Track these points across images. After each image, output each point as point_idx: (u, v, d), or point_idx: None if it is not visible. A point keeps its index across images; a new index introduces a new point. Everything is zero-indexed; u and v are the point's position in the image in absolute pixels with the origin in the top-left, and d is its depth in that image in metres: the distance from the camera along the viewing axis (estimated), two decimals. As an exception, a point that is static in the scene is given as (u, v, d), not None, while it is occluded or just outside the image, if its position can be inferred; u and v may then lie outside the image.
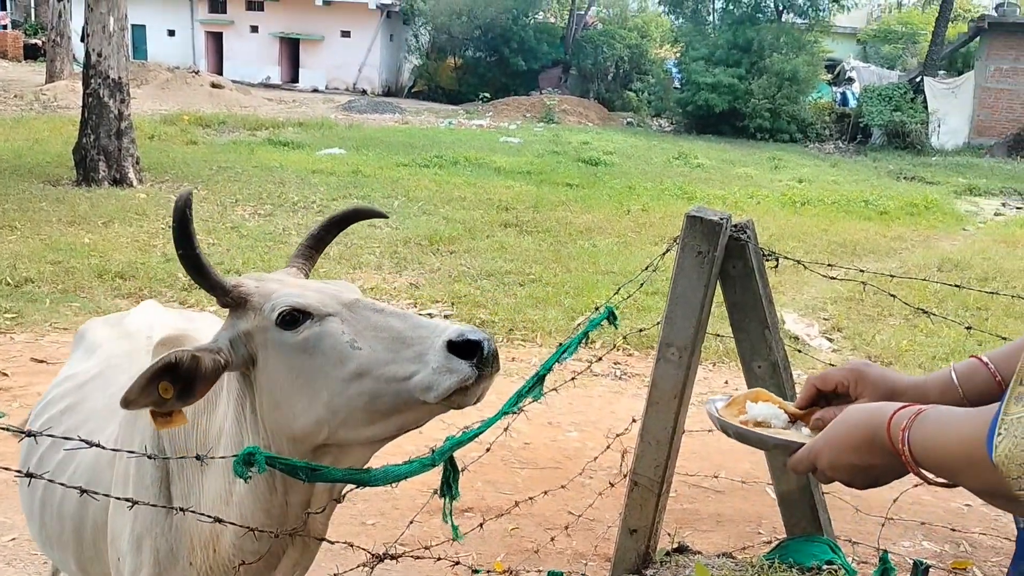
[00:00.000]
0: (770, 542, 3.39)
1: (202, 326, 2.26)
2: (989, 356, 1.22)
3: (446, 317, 7.35)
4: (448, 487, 1.77)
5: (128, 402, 1.39)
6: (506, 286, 8.24)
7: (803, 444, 1.15)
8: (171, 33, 34.46)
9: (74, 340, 2.57)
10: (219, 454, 1.56)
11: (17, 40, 33.47)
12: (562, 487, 2.87)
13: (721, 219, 2.36)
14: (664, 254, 2.59)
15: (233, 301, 1.55)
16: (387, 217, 1.80)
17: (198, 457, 1.34)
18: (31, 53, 32.69)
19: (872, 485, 1.07)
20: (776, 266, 2.51)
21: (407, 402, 1.41)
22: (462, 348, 1.37)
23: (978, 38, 25.62)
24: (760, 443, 1.23)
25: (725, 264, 2.46)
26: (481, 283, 8.26)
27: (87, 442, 1.37)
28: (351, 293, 1.56)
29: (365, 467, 1.58)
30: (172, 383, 1.43)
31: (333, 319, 1.47)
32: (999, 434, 0.84)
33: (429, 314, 7.38)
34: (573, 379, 2.61)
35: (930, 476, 0.97)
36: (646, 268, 2.55)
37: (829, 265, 2.77)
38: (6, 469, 1.41)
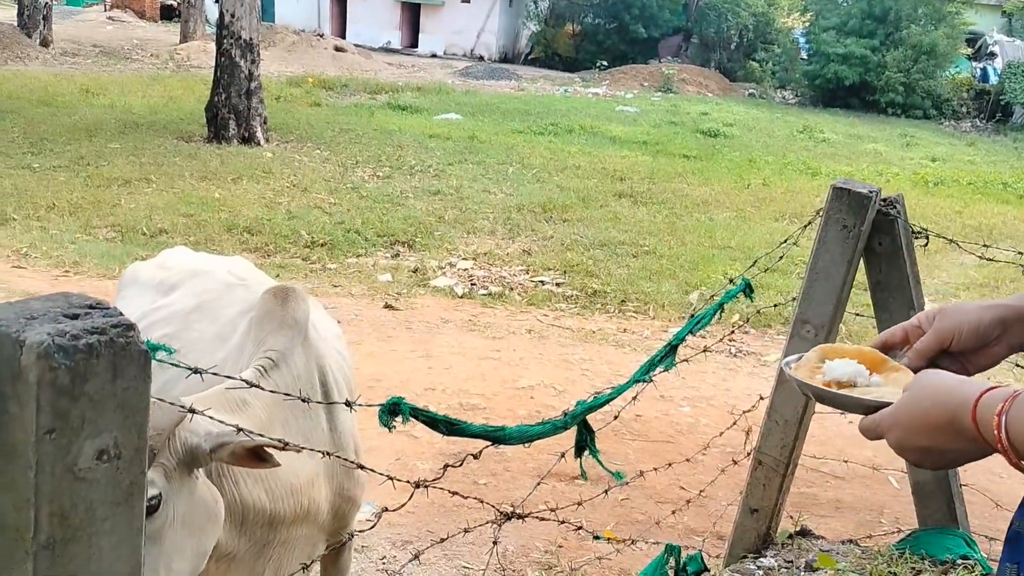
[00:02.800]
0: (894, 532, 3.25)
1: (236, 267, 2.58)
2: None
3: (558, 285, 7.34)
4: (582, 448, 1.76)
5: None
6: (619, 257, 8.16)
7: (882, 406, 1.05)
8: (298, -4, 35.29)
9: (122, 281, 2.75)
10: None
11: (154, 1, 35.02)
12: (687, 460, 2.82)
13: (870, 192, 2.24)
14: (806, 226, 2.48)
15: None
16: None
17: (348, 404, 1.36)
18: (167, 14, 34.12)
19: (943, 468, 1.00)
20: (926, 244, 2.38)
21: None
22: None
23: None
24: (841, 404, 1.12)
25: (871, 240, 2.34)
26: (594, 252, 8.20)
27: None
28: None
29: (501, 425, 1.58)
30: None
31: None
32: None
33: (541, 281, 7.38)
34: (705, 351, 2.55)
35: None
36: (785, 241, 2.45)
37: (985, 246, 2.60)
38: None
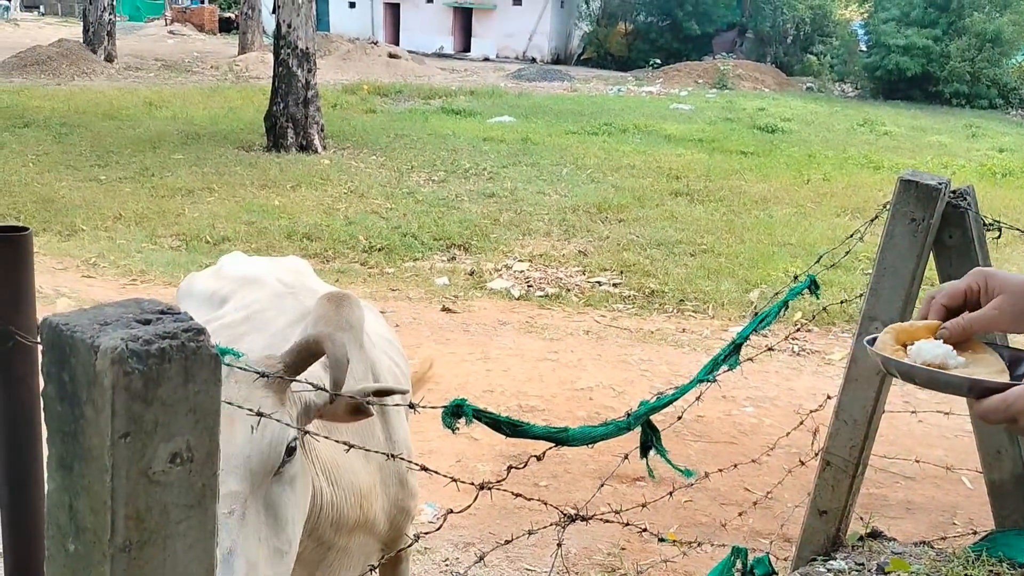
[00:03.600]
0: (969, 534, 3.15)
1: (289, 266, 2.66)
2: None
3: (615, 286, 7.29)
4: (646, 448, 1.76)
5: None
6: (676, 256, 8.07)
7: (991, 384, 1.00)
8: (351, 5, 35.80)
9: (179, 294, 2.76)
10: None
11: (213, 14, 35.87)
12: (752, 461, 2.77)
13: (939, 184, 2.17)
14: (872, 220, 2.42)
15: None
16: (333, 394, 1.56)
17: (411, 406, 1.37)
18: (225, 26, 34.95)
19: None
20: (999, 236, 2.30)
21: None
22: None
23: None
24: (932, 382, 1.05)
25: (940, 233, 2.27)
26: (651, 252, 8.13)
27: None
28: (231, 481, 1.37)
29: (564, 426, 1.58)
30: None
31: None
32: None
33: (598, 282, 7.35)
34: (770, 350, 2.51)
35: None
36: (851, 235, 2.39)
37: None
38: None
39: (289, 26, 12.11)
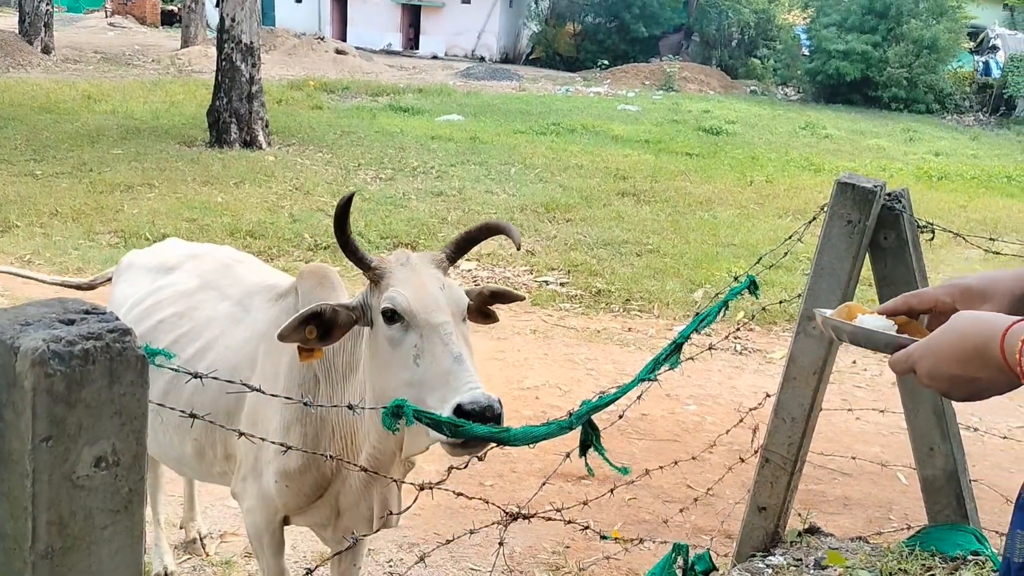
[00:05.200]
0: (903, 529, 3.23)
1: (228, 251, 2.83)
2: None
3: (562, 285, 7.32)
4: (587, 446, 1.85)
5: (283, 337, 1.81)
6: (623, 256, 8.14)
7: (904, 341, 1.13)
8: (298, 0, 35.33)
9: (119, 268, 2.91)
10: (357, 376, 2.02)
11: (155, 6, 35.08)
12: (692, 458, 2.80)
13: (875, 186, 2.22)
14: (810, 222, 2.46)
15: (371, 277, 1.92)
16: (519, 247, 2.14)
17: (350, 407, 1.35)
18: (167, 19, 34.20)
19: (971, 399, 1.03)
20: (932, 238, 2.36)
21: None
22: (466, 412, 1.61)
23: None
24: (870, 341, 1.21)
25: (876, 235, 2.33)
26: (597, 252, 8.18)
27: (248, 387, 1.47)
28: (442, 315, 1.80)
29: (505, 426, 1.58)
30: (317, 327, 1.85)
31: (414, 331, 1.78)
32: None
33: (545, 281, 7.37)
34: (710, 349, 2.54)
35: None
36: (789, 237, 2.43)
37: (991, 239, 2.58)
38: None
39: (233, 20, 11.90)
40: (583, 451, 1.82)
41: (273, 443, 1.92)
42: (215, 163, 10.74)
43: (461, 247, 2.03)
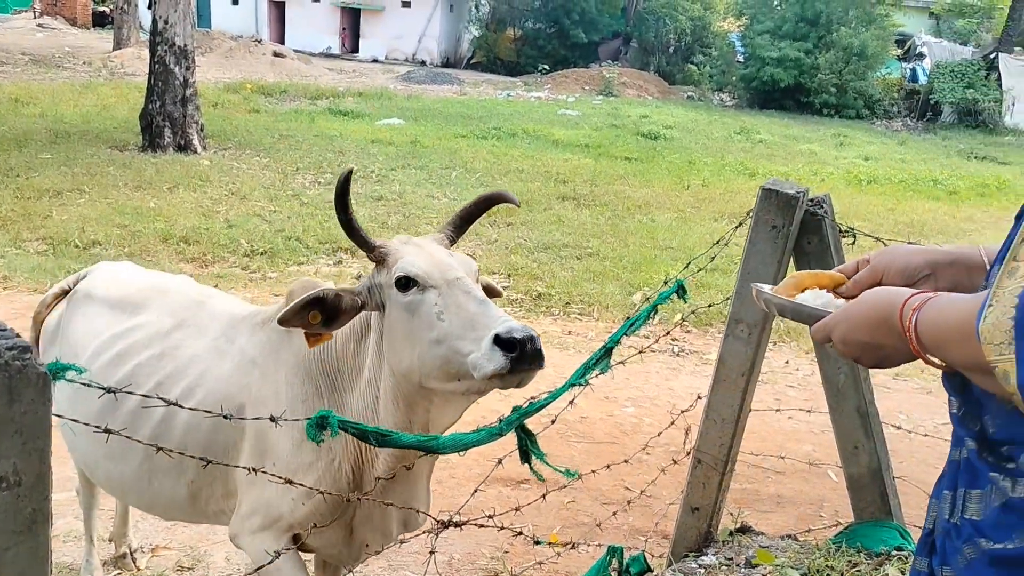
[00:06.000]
0: (833, 526, 3.31)
1: (181, 281, 2.64)
2: (983, 248, 1.24)
3: (503, 289, 7.33)
4: (527, 454, 1.90)
5: (283, 321, 1.82)
6: (563, 259, 8.19)
7: (826, 314, 1.19)
8: (235, 2, 34.78)
9: (74, 300, 2.65)
10: (363, 378, 1.97)
11: (86, 7, 34.18)
12: (625, 462, 2.83)
13: (798, 192, 2.28)
14: (737, 227, 2.52)
15: (375, 258, 1.91)
16: (517, 204, 2.27)
17: (272, 419, 1.33)
18: (99, 20, 33.35)
19: (879, 365, 1.11)
20: (853, 242, 2.43)
21: (466, 373, 1.69)
22: (506, 343, 1.62)
23: (1059, 13, 24.51)
24: (796, 314, 1.27)
25: (800, 239, 2.39)
26: (538, 256, 8.22)
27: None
28: (457, 272, 1.82)
29: (433, 435, 1.58)
30: (321, 312, 1.85)
31: (432, 291, 1.78)
32: (990, 305, 0.87)
33: (486, 285, 7.38)
34: (641, 353, 2.57)
35: (931, 358, 0.99)
36: (717, 242, 2.48)
37: (909, 243, 2.66)
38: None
39: (166, 22, 11.66)
40: (524, 458, 1.84)
41: (287, 481, 1.81)
42: (148, 168, 10.50)
43: (460, 225, 2.06)
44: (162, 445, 1.94)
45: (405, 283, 1.80)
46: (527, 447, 1.98)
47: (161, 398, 1.48)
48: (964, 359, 0.92)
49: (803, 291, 1.33)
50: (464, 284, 1.78)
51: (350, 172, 1.85)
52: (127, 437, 1.53)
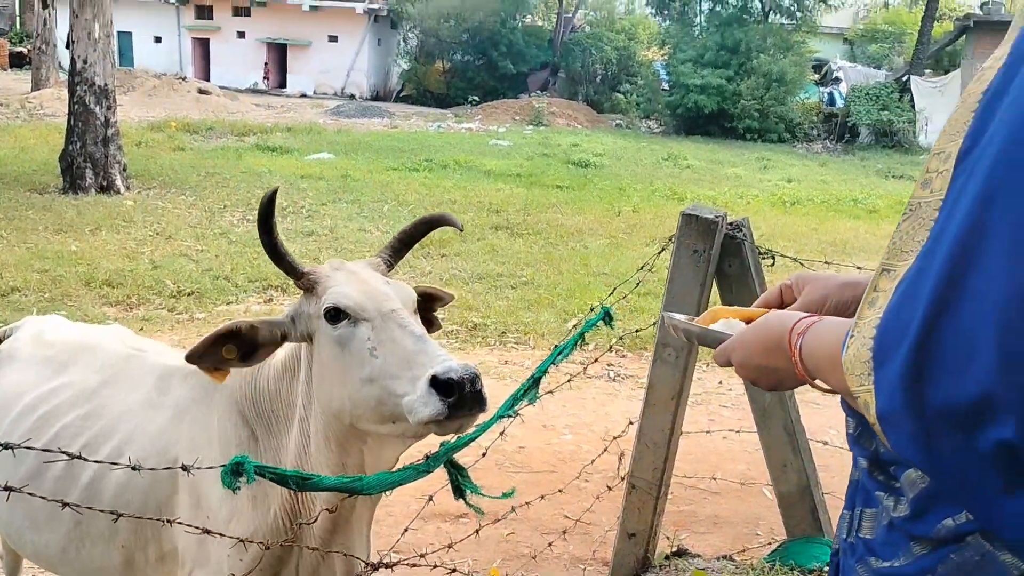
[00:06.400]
0: (769, 544, 3.35)
1: (116, 333, 2.47)
2: None
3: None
4: (460, 489, 1.85)
5: (193, 358, 1.68)
6: (498, 289, 8.20)
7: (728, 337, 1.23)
8: (158, 40, 34.31)
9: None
10: (294, 419, 1.83)
11: (2, 48, 33.27)
12: (559, 491, 2.82)
13: (717, 217, 2.33)
14: (659, 253, 2.55)
15: (303, 285, 1.78)
16: (460, 229, 2.13)
17: (184, 467, 1.29)
18: (17, 61, 32.48)
19: (775, 389, 1.13)
20: (772, 264, 2.48)
21: (400, 415, 1.57)
22: (444, 385, 1.50)
23: (964, 36, 25.71)
24: (703, 339, 1.29)
25: (721, 263, 2.43)
26: (473, 286, 8.22)
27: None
28: (392, 303, 1.69)
29: (357, 475, 1.55)
30: (236, 347, 1.72)
31: (365, 324, 1.66)
32: (851, 336, 0.88)
33: (420, 318, 7.33)
34: (570, 381, 2.57)
35: (818, 383, 1.01)
36: (641, 268, 2.51)
37: (826, 263, 2.74)
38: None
39: (85, 62, 11.42)
40: (457, 494, 1.81)
41: (220, 535, 1.71)
42: (69, 210, 10.22)
43: (398, 249, 1.94)
44: (89, 510, 1.84)
45: (335, 315, 1.67)
46: (458, 482, 1.95)
47: (63, 451, 1.40)
48: (838, 386, 0.94)
49: (717, 322, 1.35)
50: (400, 317, 1.65)
51: (275, 191, 1.72)
52: (39, 497, 1.46)
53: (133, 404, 2.15)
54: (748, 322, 1.31)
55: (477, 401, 1.52)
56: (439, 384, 1.50)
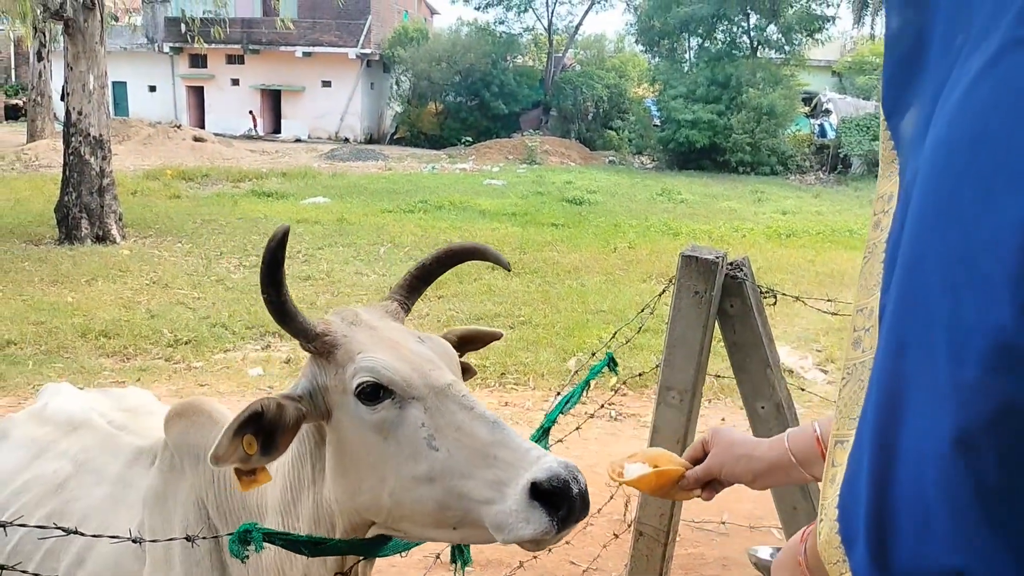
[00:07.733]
0: (780, 585, 3.29)
1: (125, 403, 2.23)
2: (819, 422, 1.24)
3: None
4: (460, 551, 1.69)
5: (218, 459, 1.29)
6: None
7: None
8: (152, 89, 34.63)
9: None
10: (270, 519, 1.49)
11: (-2, 101, 33.55)
12: (566, 541, 2.77)
13: (717, 257, 2.31)
14: (661, 294, 2.53)
15: (317, 350, 1.42)
16: (508, 268, 1.79)
17: (188, 538, 1.24)
18: (12, 114, 32.76)
19: None
20: (774, 303, 2.46)
21: (475, 523, 1.28)
22: (548, 495, 1.21)
23: (950, 66, 26.00)
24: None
25: (723, 303, 2.41)
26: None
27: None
28: (446, 375, 1.38)
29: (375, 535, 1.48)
30: (255, 436, 1.33)
31: (415, 405, 1.33)
32: (820, 520, 0.82)
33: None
34: (578, 429, 2.54)
35: None
36: (643, 310, 2.49)
37: (828, 300, 2.73)
38: None
39: (80, 113, 11.49)
40: (454, 556, 1.73)
41: None
42: (65, 261, 10.21)
43: (415, 287, 1.61)
44: None
45: (372, 392, 1.33)
46: (460, 546, 1.81)
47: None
48: None
49: (633, 463, 1.38)
50: (459, 393, 1.34)
51: (285, 233, 1.35)
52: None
53: (96, 500, 1.92)
54: (655, 466, 1.37)
55: (585, 507, 1.24)
56: (542, 493, 1.20)
